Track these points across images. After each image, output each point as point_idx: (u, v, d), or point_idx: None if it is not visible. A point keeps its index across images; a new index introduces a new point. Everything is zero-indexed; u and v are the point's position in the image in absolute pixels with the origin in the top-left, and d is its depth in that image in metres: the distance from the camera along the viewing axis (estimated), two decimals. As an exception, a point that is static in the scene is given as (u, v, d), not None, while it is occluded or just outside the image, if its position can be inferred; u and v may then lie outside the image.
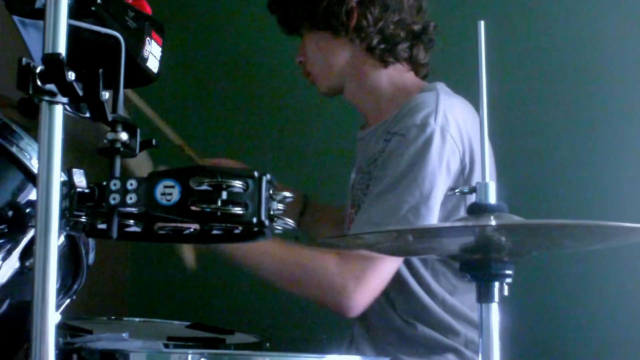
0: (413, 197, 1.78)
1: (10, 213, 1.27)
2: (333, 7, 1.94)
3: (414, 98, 1.90)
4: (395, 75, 2.00)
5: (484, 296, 1.17)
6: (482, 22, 1.19)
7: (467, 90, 1.91)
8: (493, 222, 1.14)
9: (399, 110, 1.91)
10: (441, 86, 1.96)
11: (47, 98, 1.02)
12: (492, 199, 1.16)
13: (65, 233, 1.27)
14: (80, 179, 1.07)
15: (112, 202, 1.05)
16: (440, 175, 1.80)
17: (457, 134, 1.83)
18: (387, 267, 1.81)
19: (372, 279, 1.79)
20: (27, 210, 1.28)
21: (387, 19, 1.95)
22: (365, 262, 1.77)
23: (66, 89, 1.02)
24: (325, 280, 1.79)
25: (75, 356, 1.33)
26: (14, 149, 1.27)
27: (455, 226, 1.23)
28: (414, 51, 1.99)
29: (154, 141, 1.13)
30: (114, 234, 1.06)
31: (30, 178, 1.27)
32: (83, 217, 1.07)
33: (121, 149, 1.09)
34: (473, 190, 1.17)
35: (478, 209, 1.16)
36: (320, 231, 2.20)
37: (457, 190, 1.22)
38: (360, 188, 1.94)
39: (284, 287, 1.88)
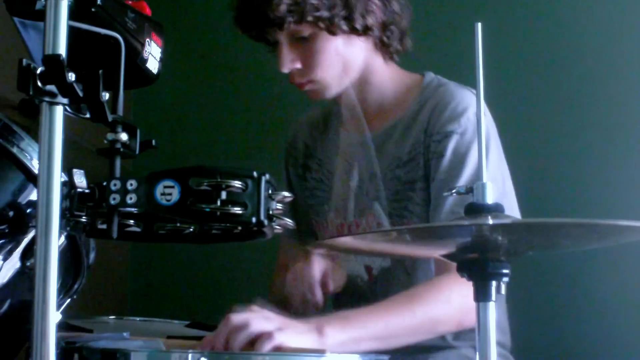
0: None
1: (11, 213, 1.27)
2: (352, 5, 1.82)
3: (449, 96, 1.85)
4: (393, 70, 1.94)
5: (481, 295, 1.18)
6: (479, 24, 1.20)
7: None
8: (490, 222, 1.14)
9: (433, 110, 1.86)
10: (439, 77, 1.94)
11: (47, 99, 1.02)
12: (490, 199, 1.17)
13: (65, 233, 1.28)
14: (80, 179, 1.07)
15: (112, 202, 1.06)
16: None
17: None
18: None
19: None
20: (28, 210, 1.28)
21: (395, 10, 1.87)
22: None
23: (66, 89, 1.02)
24: (446, 313, 1.69)
25: (76, 355, 1.33)
26: (14, 150, 1.27)
27: (453, 225, 1.24)
28: (409, 41, 1.93)
29: (153, 142, 1.14)
30: (114, 234, 1.07)
31: (31, 178, 1.27)
32: (83, 217, 1.08)
33: (121, 150, 1.09)
34: (470, 190, 1.17)
35: (475, 209, 1.16)
36: None
37: (454, 190, 1.22)
38: (390, 194, 1.87)
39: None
